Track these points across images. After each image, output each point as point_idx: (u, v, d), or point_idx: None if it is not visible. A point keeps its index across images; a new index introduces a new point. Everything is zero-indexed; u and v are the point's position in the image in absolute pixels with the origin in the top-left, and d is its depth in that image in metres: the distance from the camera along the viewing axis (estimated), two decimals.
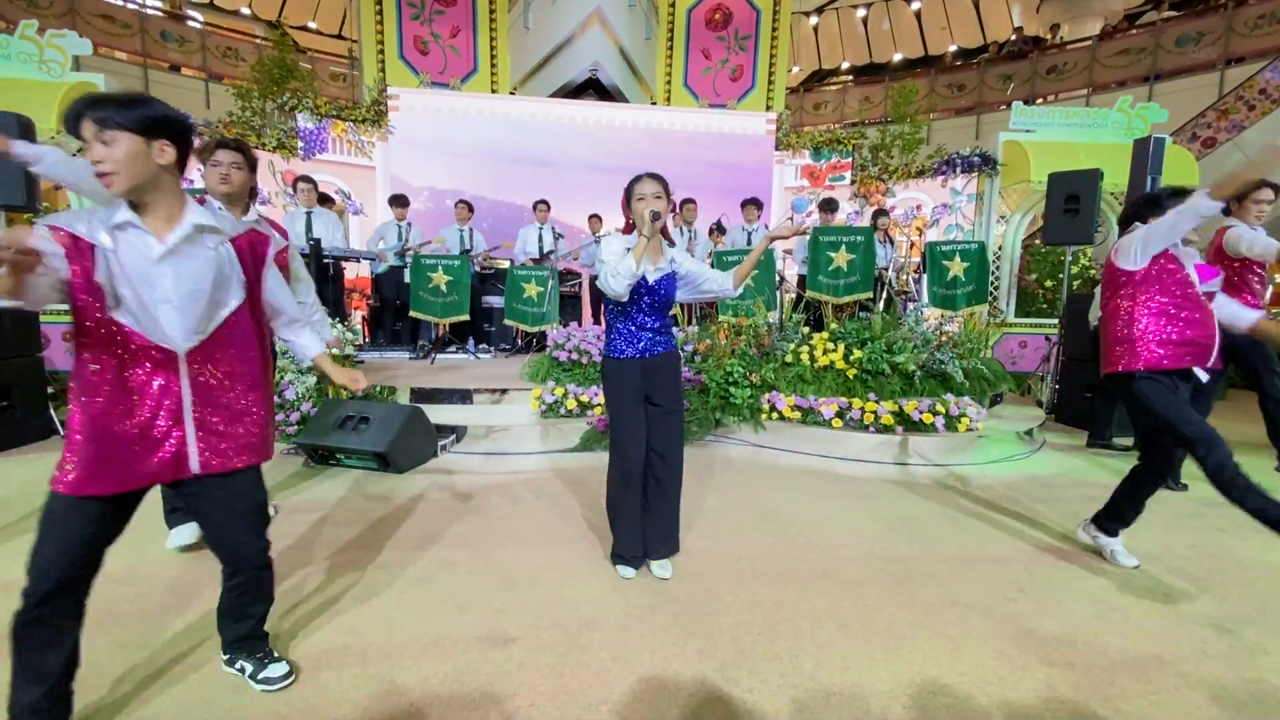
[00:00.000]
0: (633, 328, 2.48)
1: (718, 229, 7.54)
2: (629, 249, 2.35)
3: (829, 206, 6.86)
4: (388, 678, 1.84)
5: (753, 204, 7.07)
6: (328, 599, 2.29)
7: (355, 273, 7.89)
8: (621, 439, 2.50)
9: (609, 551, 2.64)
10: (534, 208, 7.46)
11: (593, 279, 7.51)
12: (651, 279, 2.43)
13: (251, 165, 2.66)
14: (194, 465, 1.59)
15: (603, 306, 2.57)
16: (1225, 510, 3.41)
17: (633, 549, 2.56)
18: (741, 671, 1.91)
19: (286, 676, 1.80)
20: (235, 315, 1.62)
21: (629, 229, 2.51)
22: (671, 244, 2.55)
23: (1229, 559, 2.84)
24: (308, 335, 1.94)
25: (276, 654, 1.86)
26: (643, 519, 2.57)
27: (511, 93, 10.10)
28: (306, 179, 6.41)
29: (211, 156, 2.56)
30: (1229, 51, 11.73)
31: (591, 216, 7.81)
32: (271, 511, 2.93)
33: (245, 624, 1.81)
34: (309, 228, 6.15)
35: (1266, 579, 2.65)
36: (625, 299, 2.38)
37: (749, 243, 6.90)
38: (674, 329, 2.62)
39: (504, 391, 4.85)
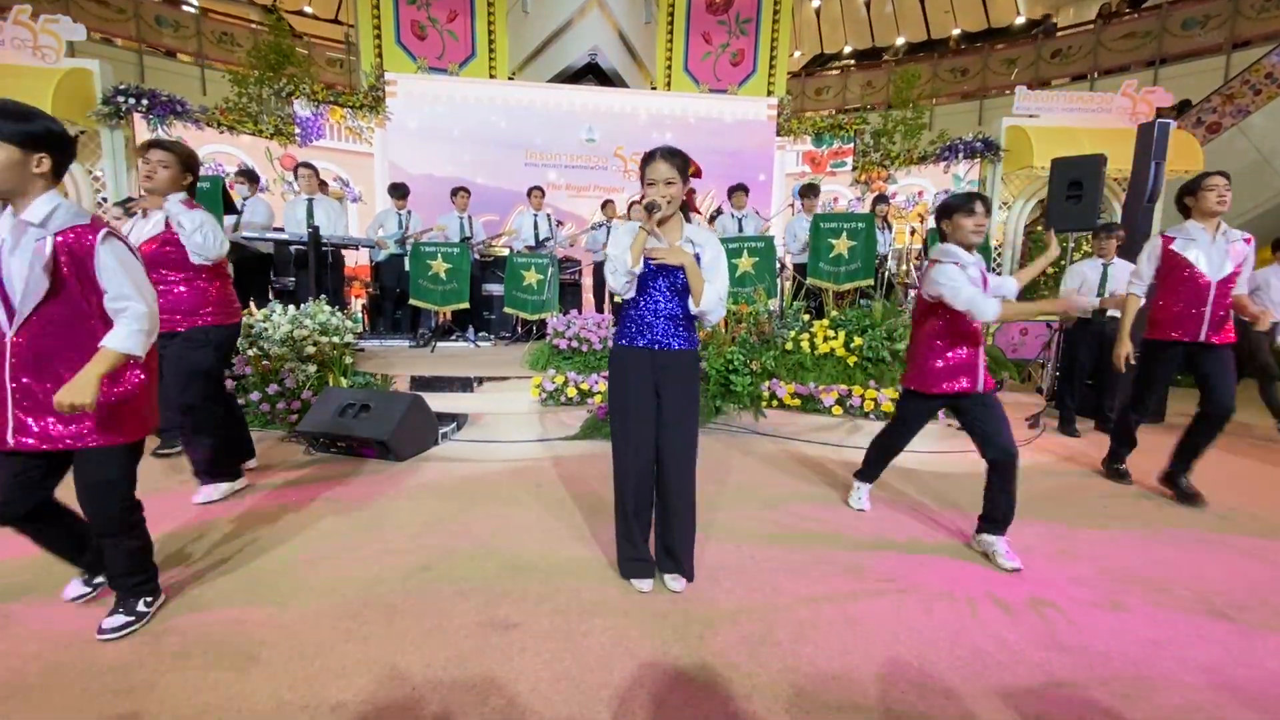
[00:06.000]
0: (647, 314, 2.22)
1: (713, 218, 7.51)
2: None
3: (810, 192, 6.82)
4: (389, 662, 1.85)
5: (740, 190, 7.03)
6: (330, 585, 2.30)
7: (355, 260, 7.86)
8: (625, 440, 2.25)
9: (612, 541, 2.62)
10: (529, 194, 7.40)
11: (599, 266, 7.47)
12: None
13: (184, 165, 2.91)
14: (8, 439, 1.79)
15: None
16: (1226, 498, 3.43)
17: (641, 559, 2.34)
18: (741, 655, 1.92)
19: (119, 629, 1.95)
20: (47, 305, 1.75)
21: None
22: (688, 220, 2.28)
23: (1225, 546, 2.86)
24: (117, 324, 1.91)
25: (122, 608, 2.00)
26: (655, 531, 2.37)
27: (510, 78, 10.01)
28: (307, 165, 6.36)
29: (144, 155, 2.84)
30: (1235, 35, 11.63)
31: (605, 202, 7.74)
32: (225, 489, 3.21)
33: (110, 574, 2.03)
34: (310, 215, 6.11)
35: (1262, 565, 2.66)
36: (629, 295, 2.20)
37: (739, 229, 6.86)
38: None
39: (504, 379, 4.85)
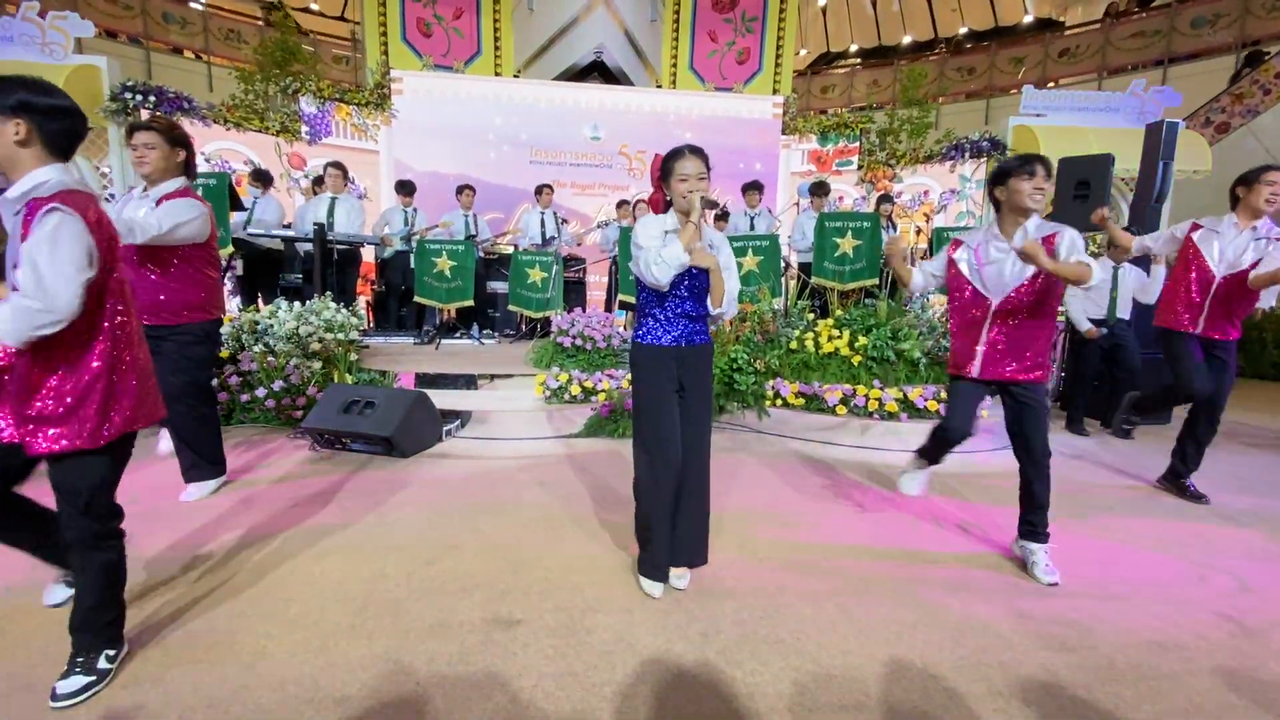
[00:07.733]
0: (670, 314, 2.24)
1: (722, 216, 7.46)
2: (668, 231, 2.16)
3: (819, 190, 6.79)
4: (394, 658, 1.86)
5: (754, 188, 6.99)
6: (335, 580, 2.31)
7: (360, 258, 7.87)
8: (654, 437, 2.24)
9: (615, 538, 2.65)
10: (537, 192, 7.39)
11: (611, 262, 7.43)
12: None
13: (173, 142, 2.82)
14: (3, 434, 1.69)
15: (636, 290, 2.35)
16: (1230, 496, 3.42)
17: (664, 561, 2.31)
18: (744, 654, 1.92)
19: (75, 694, 1.63)
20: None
21: (660, 205, 2.29)
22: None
23: (1228, 544, 2.85)
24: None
25: (80, 666, 1.68)
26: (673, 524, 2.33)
27: (515, 76, 10.01)
28: (337, 165, 6.35)
29: (129, 141, 2.75)
30: (1245, 35, 11.55)
31: (620, 203, 7.64)
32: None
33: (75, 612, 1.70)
34: (330, 213, 6.13)
35: (1267, 565, 2.65)
36: (666, 289, 2.17)
37: (751, 228, 6.85)
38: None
39: (508, 377, 4.86)
